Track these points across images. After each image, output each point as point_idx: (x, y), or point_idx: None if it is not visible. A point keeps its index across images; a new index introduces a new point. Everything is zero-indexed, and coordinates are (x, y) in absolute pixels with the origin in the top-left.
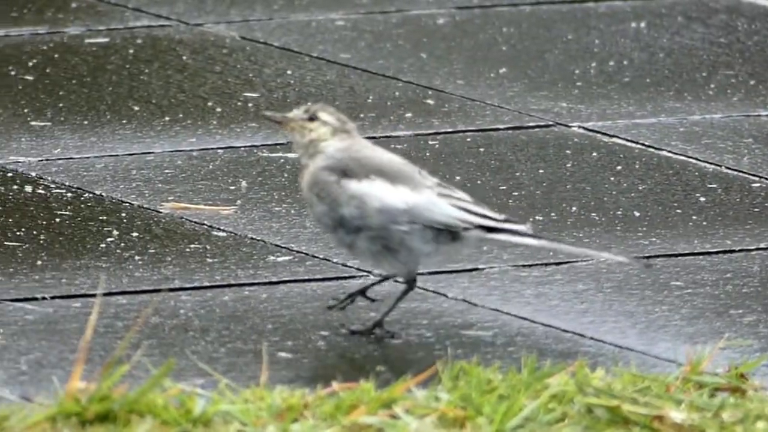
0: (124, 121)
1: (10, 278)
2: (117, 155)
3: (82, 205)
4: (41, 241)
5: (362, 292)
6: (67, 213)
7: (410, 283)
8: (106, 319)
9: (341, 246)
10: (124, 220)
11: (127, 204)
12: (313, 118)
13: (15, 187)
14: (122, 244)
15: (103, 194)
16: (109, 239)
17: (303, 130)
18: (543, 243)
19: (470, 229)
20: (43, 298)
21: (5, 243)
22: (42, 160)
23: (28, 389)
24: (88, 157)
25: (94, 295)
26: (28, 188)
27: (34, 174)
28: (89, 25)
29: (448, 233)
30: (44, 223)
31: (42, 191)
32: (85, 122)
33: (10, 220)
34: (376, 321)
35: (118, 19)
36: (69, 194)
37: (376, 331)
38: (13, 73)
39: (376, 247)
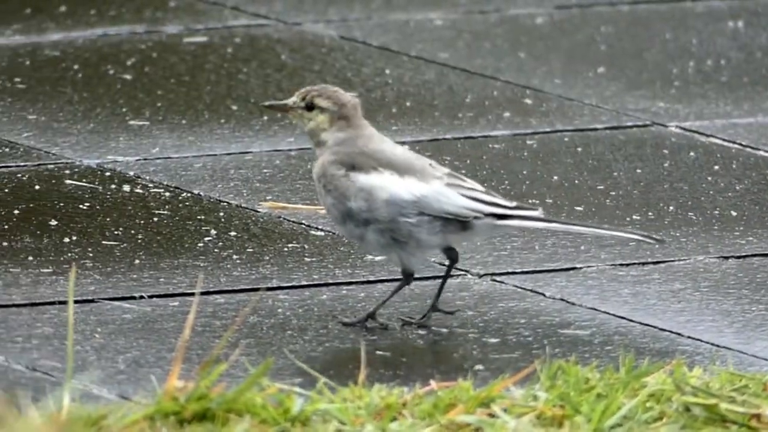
0: (223, 121)
1: (108, 277)
2: (215, 155)
3: (180, 205)
4: (139, 241)
5: (437, 307)
6: (165, 212)
7: (407, 278)
8: (204, 318)
9: (352, 238)
10: (222, 220)
11: (225, 203)
12: (310, 107)
13: (113, 186)
14: (220, 244)
15: (201, 193)
16: (207, 238)
17: (302, 119)
18: (552, 225)
19: (480, 218)
20: (141, 297)
21: (103, 242)
22: (140, 160)
23: (126, 388)
24: (186, 157)
25: (192, 294)
26: (126, 187)
27: (132, 173)
28: (188, 24)
29: (458, 223)
30: (142, 222)
31: (140, 190)
32: (183, 121)
33: (108, 219)
34: (369, 312)
35: (216, 18)
36: (167, 193)
37: (368, 323)
38: (111, 72)
39: (384, 239)
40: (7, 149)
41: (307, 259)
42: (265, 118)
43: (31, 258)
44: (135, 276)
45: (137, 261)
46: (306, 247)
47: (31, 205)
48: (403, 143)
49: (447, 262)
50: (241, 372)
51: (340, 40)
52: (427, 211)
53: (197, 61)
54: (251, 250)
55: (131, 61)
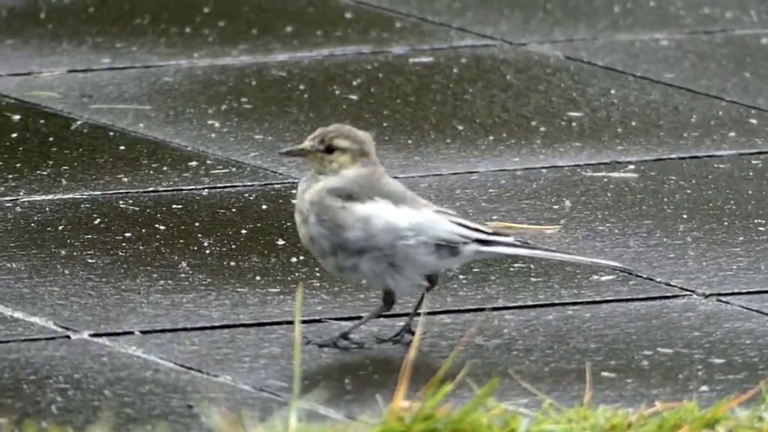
0: (448, 141)
1: (335, 297)
2: (441, 174)
3: None
4: None
5: (403, 332)
6: None
7: (389, 304)
8: (430, 338)
9: (337, 270)
10: None
11: None
12: (330, 149)
13: None
14: None
15: None
16: None
17: (323, 162)
18: (535, 253)
19: (468, 243)
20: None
21: None
22: None
23: (352, 408)
24: (412, 176)
25: (418, 314)
26: None
27: None
28: (413, 45)
29: (448, 248)
30: None
31: None
32: (410, 141)
33: None
34: (343, 332)
35: (442, 38)
36: None
37: (339, 342)
38: (337, 92)
39: (380, 266)
40: (234, 169)
41: (533, 279)
42: (491, 138)
43: (258, 278)
44: (362, 296)
45: (364, 281)
46: (532, 267)
47: (259, 225)
48: (628, 163)
49: (426, 284)
50: (466, 392)
51: (565, 61)
52: (422, 237)
53: (423, 82)
54: (477, 270)
55: (357, 82)
